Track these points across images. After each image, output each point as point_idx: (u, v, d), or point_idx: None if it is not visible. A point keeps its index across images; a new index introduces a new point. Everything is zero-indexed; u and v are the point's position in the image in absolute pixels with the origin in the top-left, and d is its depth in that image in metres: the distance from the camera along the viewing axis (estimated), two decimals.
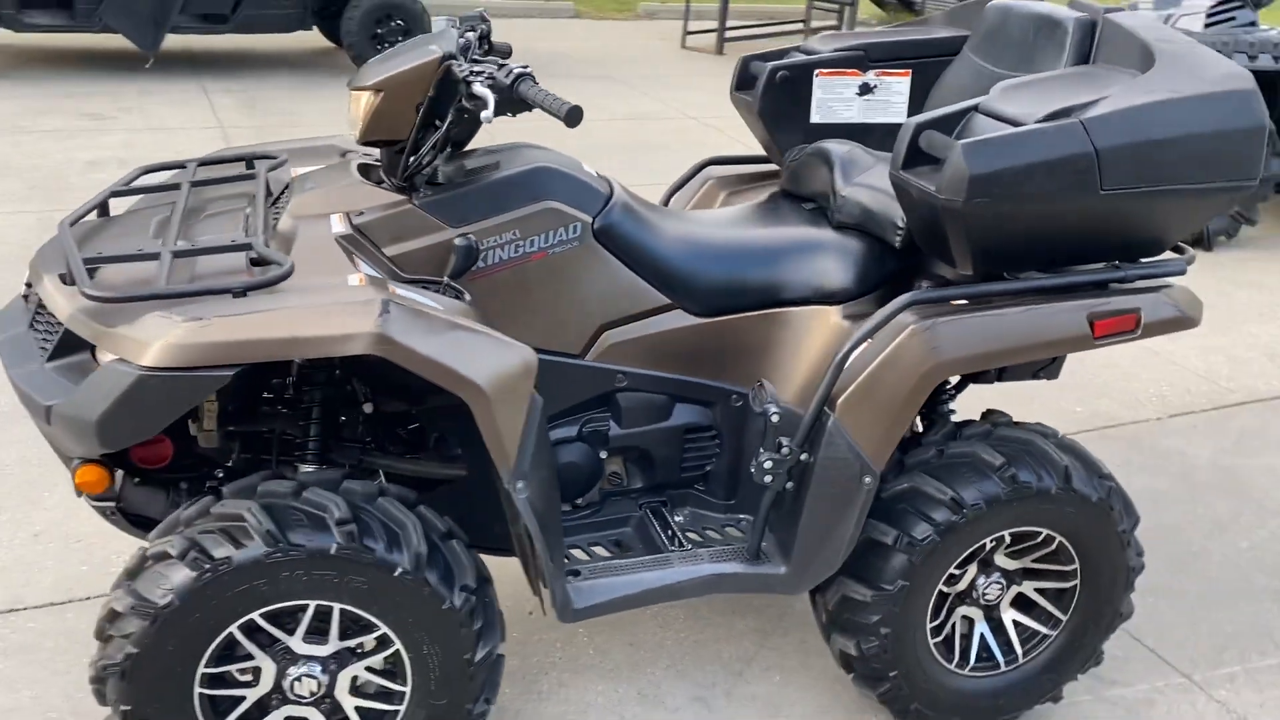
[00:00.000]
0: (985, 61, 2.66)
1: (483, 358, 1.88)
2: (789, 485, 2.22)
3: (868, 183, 2.43)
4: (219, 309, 1.79)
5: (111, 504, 2.23)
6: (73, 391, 1.87)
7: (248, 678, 2.02)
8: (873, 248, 2.40)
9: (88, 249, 2.09)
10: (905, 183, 2.15)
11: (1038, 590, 2.44)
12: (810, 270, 2.38)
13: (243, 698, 2.02)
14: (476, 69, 2.08)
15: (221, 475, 2.28)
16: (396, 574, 1.93)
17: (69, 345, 1.98)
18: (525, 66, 2.07)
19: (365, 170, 2.32)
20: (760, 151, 2.97)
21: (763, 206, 2.64)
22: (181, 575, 1.86)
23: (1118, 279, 2.26)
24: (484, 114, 1.99)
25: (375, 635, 2.01)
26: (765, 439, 2.22)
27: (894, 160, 2.19)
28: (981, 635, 2.45)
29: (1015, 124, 2.09)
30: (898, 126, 2.80)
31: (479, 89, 2.00)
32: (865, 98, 2.82)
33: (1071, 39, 2.42)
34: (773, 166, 2.98)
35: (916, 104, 2.83)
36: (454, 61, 2.11)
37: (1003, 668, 2.45)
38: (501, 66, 2.08)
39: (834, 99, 2.80)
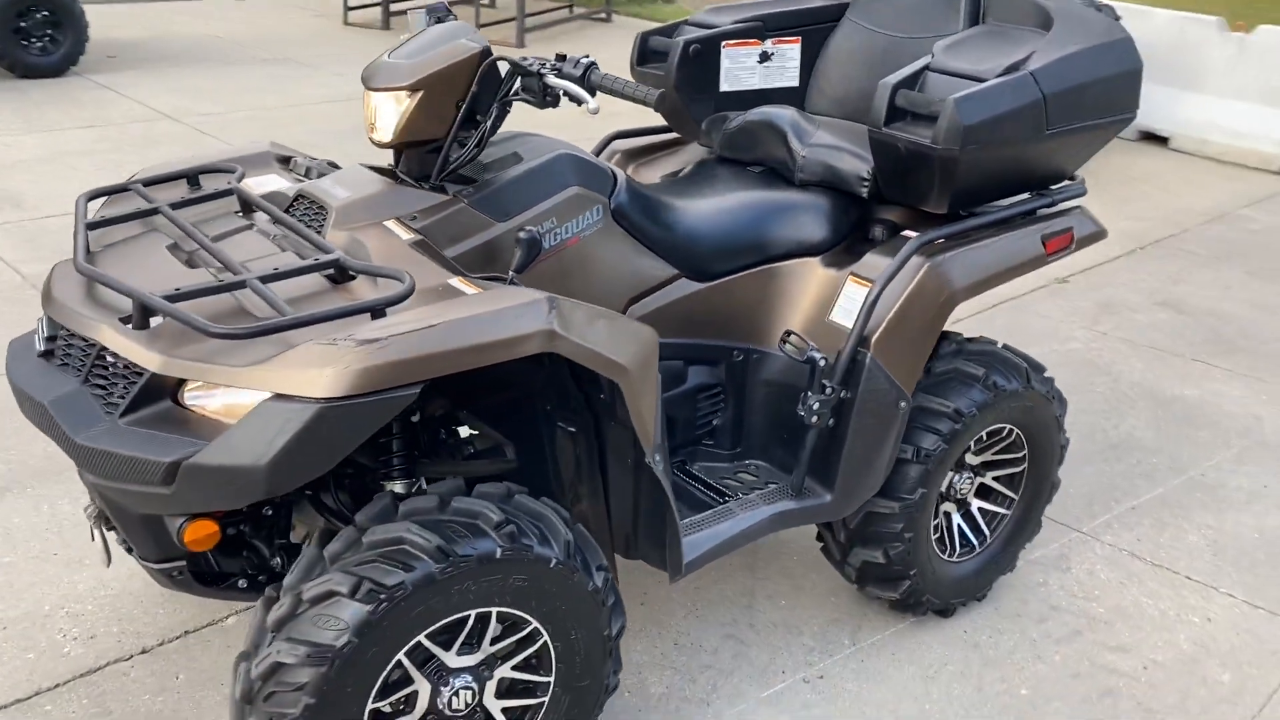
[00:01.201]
0: (873, 26, 2.98)
1: (625, 342, 1.94)
2: (830, 422, 2.45)
3: (823, 143, 2.68)
4: (367, 330, 1.73)
5: (180, 564, 2.06)
6: (201, 443, 1.73)
7: (402, 706, 1.97)
8: (839, 201, 2.65)
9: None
10: (892, 138, 2.42)
11: (995, 478, 2.85)
12: (791, 227, 2.60)
13: None
14: (523, 60, 2.10)
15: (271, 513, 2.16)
16: (551, 565, 1.96)
17: (148, 396, 1.82)
18: (588, 56, 2.12)
19: (379, 174, 2.26)
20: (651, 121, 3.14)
21: (718, 174, 2.80)
22: (354, 611, 1.79)
23: (1047, 204, 2.67)
24: (588, 106, 2.02)
25: (522, 633, 2.03)
26: (811, 382, 2.43)
27: (874, 119, 2.45)
28: (959, 525, 2.83)
29: (978, 79, 2.42)
30: (793, 90, 3.09)
31: (564, 83, 2.03)
32: (764, 65, 3.06)
33: (965, 2, 2.79)
34: (672, 135, 3.16)
35: (805, 69, 3.11)
36: (493, 55, 2.12)
37: (978, 549, 2.84)
38: (562, 58, 2.11)
39: (739, 68, 3.01)
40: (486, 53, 2.14)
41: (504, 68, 2.19)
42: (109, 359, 1.87)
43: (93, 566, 2.89)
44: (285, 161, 2.58)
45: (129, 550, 2.65)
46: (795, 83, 3.09)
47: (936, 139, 2.34)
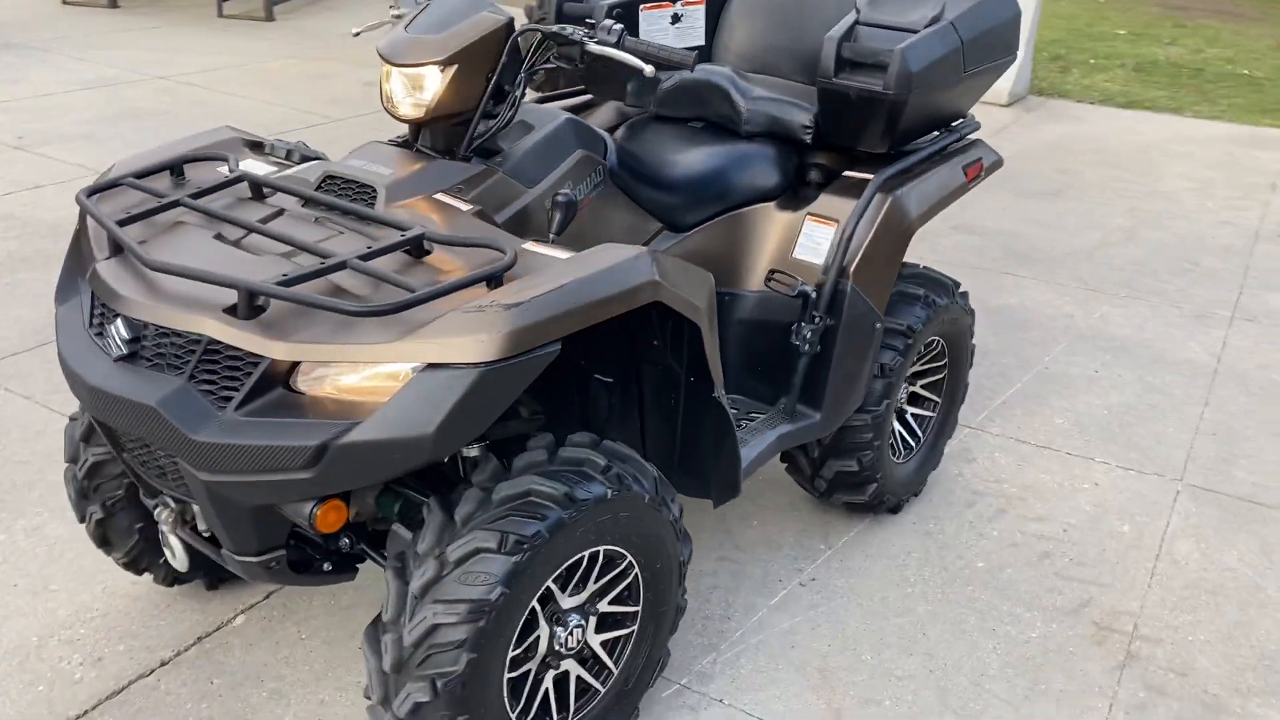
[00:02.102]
0: None
1: (698, 287, 2.11)
2: (817, 349, 2.70)
3: (764, 96, 2.90)
4: (506, 295, 1.81)
5: (279, 554, 2.05)
6: (342, 423, 1.76)
7: (526, 651, 2.07)
8: (783, 149, 2.90)
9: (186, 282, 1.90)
10: (844, 87, 2.69)
11: (923, 386, 3.22)
12: (748, 175, 2.83)
13: (527, 674, 2.08)
14: (562, 29, 2.19)
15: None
16: (645, 502, 2.12)
17: (263, 385, 1.82)
18: (617, 22, 2.24)
19: (402, 149, 2.29)
20: None
21: (666, 131, 2.94)
22: (502, 564, 1.88)
23: (955, 140, 3.03)
24: (646, 72, 2.14)
25: (619, 569, 2.17)
26: (804, 313, 2.66)
27: (823, 70, 2.71)
28: (898, 430, 3.18)
29: (909, 30, 2.72)
30: (698, 49, 3.30)
31: (614, 51, 2.14)
32: (676, 26, 3.25)
33: None
34: (586, 97, 3.30)
35: (710, 27, 3.32)
36: (518, 25, 2.20)
37: (915, 450, 3.20)
38: (593, 26, 2.22)
39: (655, 30, 3.19)
40: (512, 24, 2.21)
41: (524, 38, 2.27)
42: (218, 353, 1.84)
43: (57, 592, 2.74)
44: (254, 146, 2.54)
45: (134, 569, 2.57)
46: (702, 42, 3.30)
47: (888, 85, 2.63)
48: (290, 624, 2.67)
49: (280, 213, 2.15)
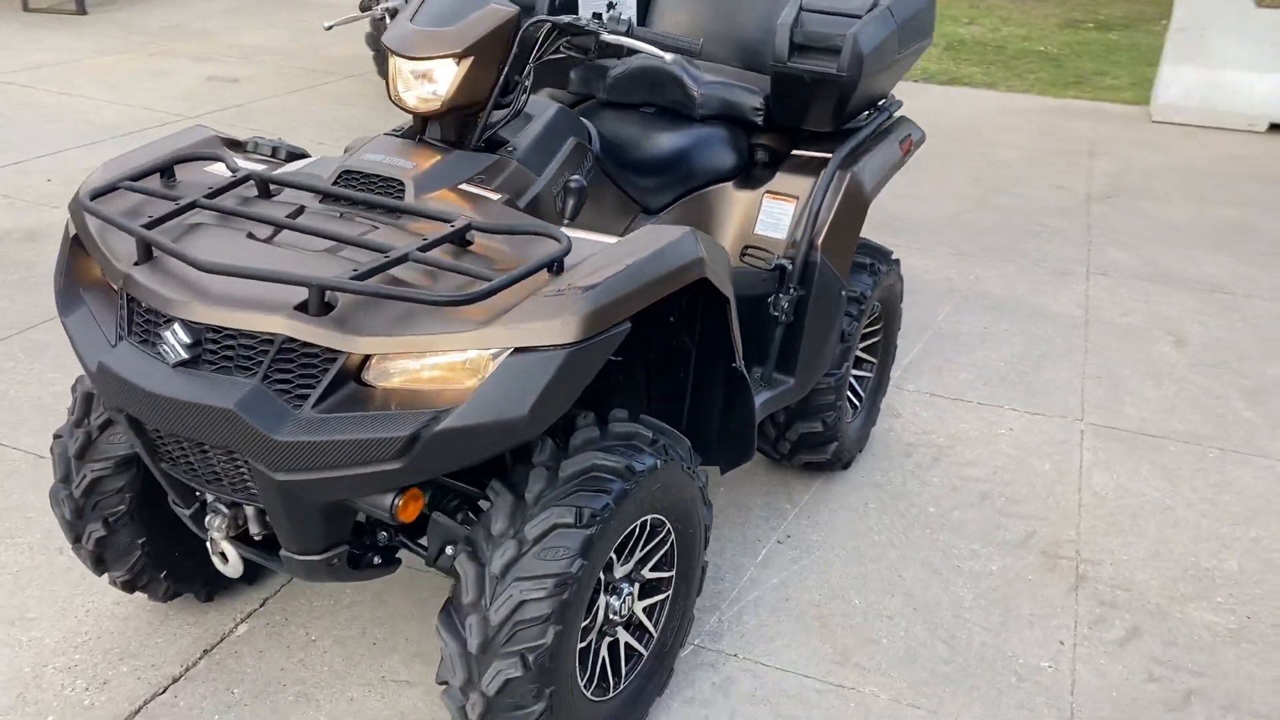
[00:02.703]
0: None
1: (724, 263, 2.22)
2: (790, 318, 2.86)
3: (714, 80, 3.03)
4: (579, 279, 1.87)
5: (342, 550, 2.05)
6: (428, 412, 1.80)
7: (586, 621, 2.15)
8: (734, 131, 3.04)
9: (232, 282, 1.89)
10: (797, 70, 2.85)
11: (862, 349, 3.43)
12: (708, 157, 2.96)
13: (589, 644, 2.16)
14: (575, 20, 2.25)
15: None
16: (685, 469, 2.23)
17: (339, 381, 1.84)
18: (621, 11, 2.31)
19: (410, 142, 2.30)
20: None
21: (624, 117, 3.02)
22: (579, 537, 1.96)
23: (885, 120, 3.24)
24: (668, 59, 2.22)
25: (659, 536, 2.27)
26: (781, 285, 2.81)
27: (778, 54, 2.86)
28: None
29: (853, 15, 2.90)
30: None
31: (629, 40, 2.22)
32: (609, 12, 3.34)
33: None
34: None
35: (640, 13, 3.43)
36: (527, 15, 2.25)
37: (860, 408, 3.42)
38: (598, 16, 2.28)
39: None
40: (521, 14, 2.26)
41: (530, 28, 2.32)
42: (292, 351, 1.83)
43: (37, 619, 2.62)
44: (233, 145, 2.49)
45: (130, 588, 2.49)
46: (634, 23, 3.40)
47: (841, 67, 2.80)
48: (296, 628, 2.64)
49: (301, 210, 2.13)
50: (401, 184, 2.15)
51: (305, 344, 1.83)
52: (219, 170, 2.33)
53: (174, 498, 2.17)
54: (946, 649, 2.68)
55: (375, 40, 7.34)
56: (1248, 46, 7.95)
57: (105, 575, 2.50)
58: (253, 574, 2.75)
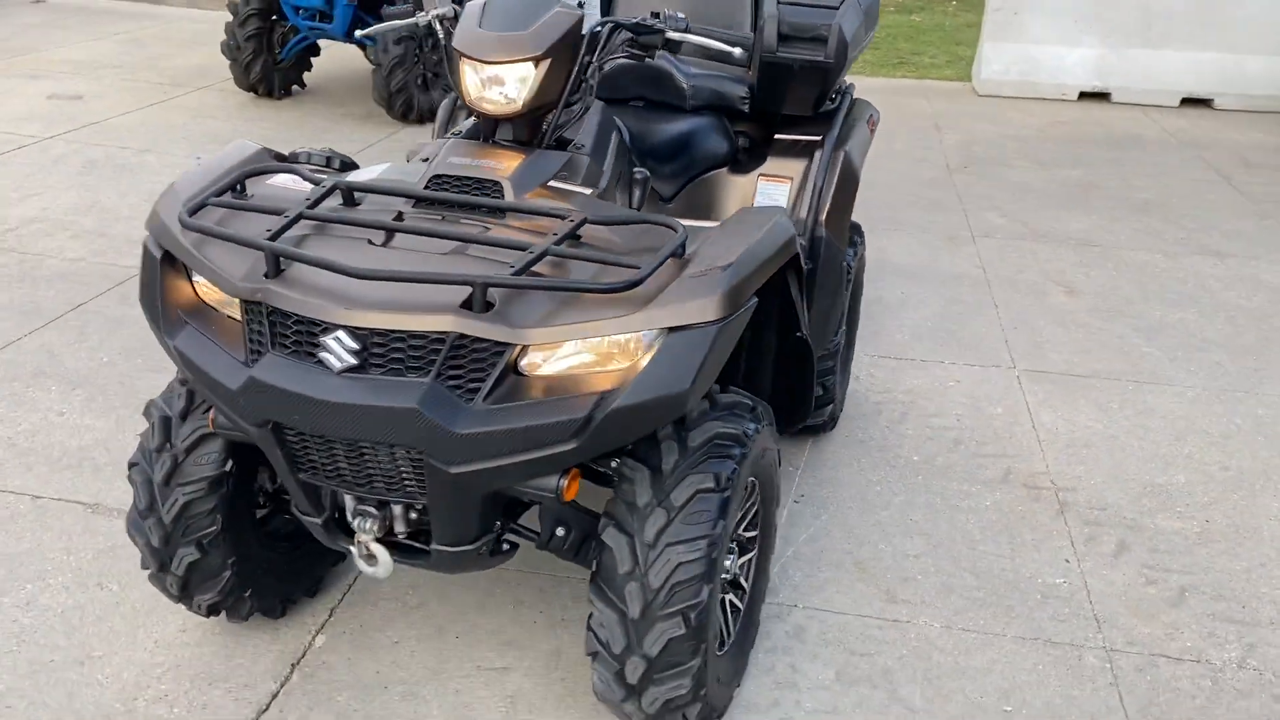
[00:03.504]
0: None
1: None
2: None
3: (700, 73, 3.20)
4: (714, 260, 2.01)
5: (492, 537, 2.13)
6: (594, 395, 1.91)
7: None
8: (722, 119, 3.22)
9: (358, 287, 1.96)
10: (788, 59, 3.05)
11: None
12: (707, 145, 3.13)
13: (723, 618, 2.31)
14: (643, 20, 2.37)
15: None
16: (771, 434, 2.40)
17: (504, 374, 1.93)
18: (679, 12, 2.44)
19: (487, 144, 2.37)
20: None
21: (619, 111, 3.16)
22: (718, 500, 2.12)
23: (849, 103, 3.49)
24: (735, 55, 2.37)
25: (750, 498, 2.44)
26: None
27: (768, 45, 3.05)
28: None
29: (829, 6, 3.13)
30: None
31: (699, 39, 2.35)
32: (581, 8, 3.46)
33: None
34: None
35: (604, 8, 3.56)
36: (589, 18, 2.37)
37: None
38: (656, 14, 2.41)
39: None
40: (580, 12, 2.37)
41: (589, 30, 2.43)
42: (463, 349, 1.90)
43: (105, 657, 2.55)
44: (281, 158, 2.50)
45: (217, 610, 2.47)
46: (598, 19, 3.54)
47: (828, 54, 3.03)
48: (374, 633, 2.66)
49: (400, 215, 2.18)
50: (499, 184, 2.23)
51: (475, 340, 1.91)
52: (282, 182, 2.33)
53: (304, 508, 2.19)
54: (973, 579, 2.96)
55: (233, 50, 7.12)
56: (1057, 22, 8.71)
57: (189, 601, 2.46)
58: (314, 587, 2.75)
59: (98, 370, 3.80)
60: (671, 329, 1.94)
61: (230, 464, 2.35)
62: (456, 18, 2.52)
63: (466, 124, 2.61)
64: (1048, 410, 3.87)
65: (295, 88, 7.57)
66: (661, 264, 1.97)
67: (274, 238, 2.02)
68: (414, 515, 2.17)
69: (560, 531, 2.29)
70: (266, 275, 2.01)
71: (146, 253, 2.21)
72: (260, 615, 2.63)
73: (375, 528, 2.14)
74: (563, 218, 2.10)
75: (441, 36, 2.56)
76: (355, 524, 2.15)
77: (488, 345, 1.92)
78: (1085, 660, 2.67)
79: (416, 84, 6.88)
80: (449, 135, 2.56)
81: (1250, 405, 3.93)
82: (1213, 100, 8.66)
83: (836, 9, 3.10)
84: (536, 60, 2.27)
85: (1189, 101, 8.66)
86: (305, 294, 1.95)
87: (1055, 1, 8.65)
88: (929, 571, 2.98)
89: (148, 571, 2.46)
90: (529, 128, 2.38)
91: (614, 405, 1.91)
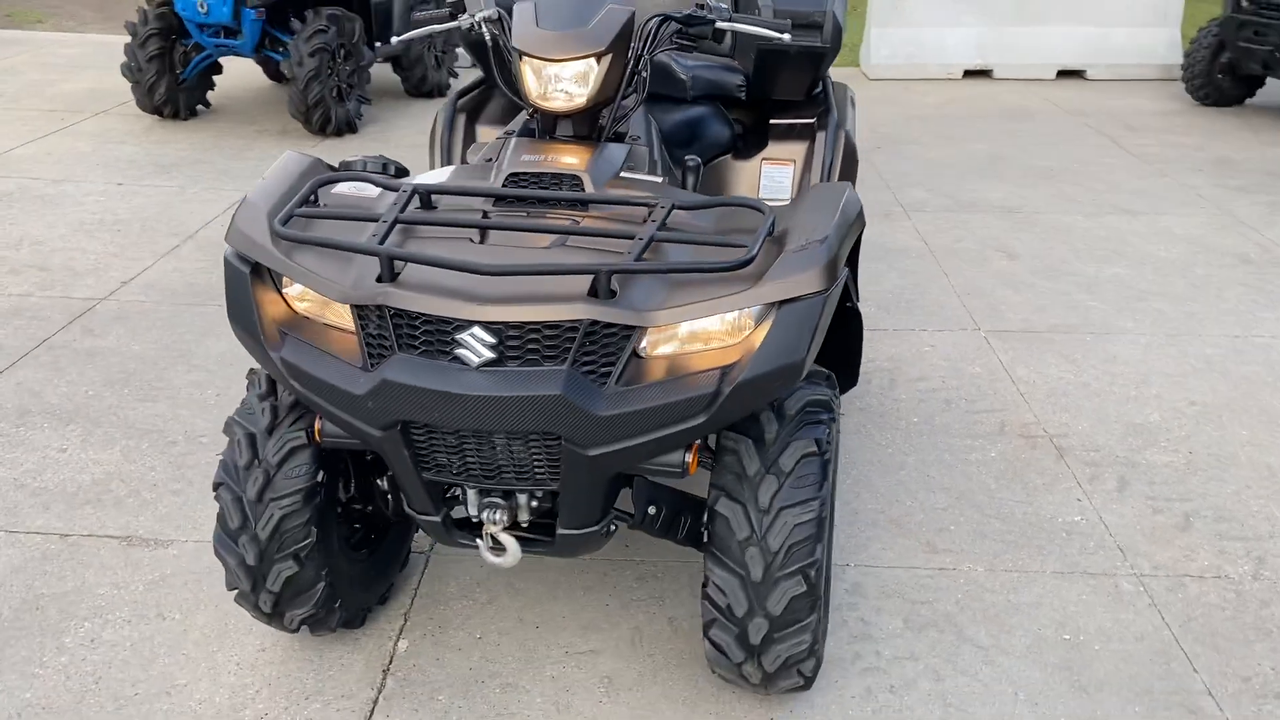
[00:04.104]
0: None
1: None
2: None
3: (695, 64, 3.31)
4: (809, 235, 2.12)
5: (611, 518, 2.20)
6: (714, 370, 2.01)
7: None
8: (719, 107, 3.33)
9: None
10: (786, 45, 3.17)
11: None
12: (713, 133, 3.24)
13: None
14: (695, 11, 2.46)
15: None
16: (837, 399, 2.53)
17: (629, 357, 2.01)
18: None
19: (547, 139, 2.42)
20: None
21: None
22: (820, 463, 2.23)
23: (830, 87, 3.64)
24: (786, 38, 2.47)
25: None
26: None
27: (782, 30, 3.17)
28: None
29: None
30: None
31: (744, 26, 2.45)
32: None
33: None
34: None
35: None
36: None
37: None
38: (702, 5, 2.49)
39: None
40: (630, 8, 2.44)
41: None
42: (596, 335, 1.96)
43: (190, 685, 2.51)
44: (335, 168, 2.51)
45: (313, 623, 2.48)
46: None
47: (825, 39, 3.17)
48: (454, 631, 2.69)
49: (485, 214, 2.22)
50: (577, 179, 2.28)
51: (604, 326, 1.97)
52: (346, 190, 2.34)
53: (423, 508, 2.21)
54: (1001, 524, 3.15)
55: (134, 71, 6.89)
56: (938, 5, 9.12)
57: (281, 618, 2.44)
58: (386, 594, 2.76)
59: (85, 404, 3.68)
60: (782, 302, 2.04)
61: (321, 475, 2.35)
62: (500, 20, 2.56)
63: (517, 123, 2.64)
64: (1021, 366, 4.10)
65: (200, 108, 7.36)
66: (763, 241, 2.07)
67: (381, 242, 2.04)
68: (536, 504, 2.22)
69: (652, 510, 2.37)
70: (380, 279, 2.03)
71: (232, 269, 2.19)
72: (342, 627, 2.63)
73: (504, 518, 2.18)
74: (649, 205, 2.18)
75: (488, 39, 2.60)
76: (484, 516, 2.18)
77: (615, 330, 1.98)
78: (1122, 587, 2.89)
79: (332, 96, 6.79)
80: (504, 135, 2.59)
81: (1199, 347, 4.26)
82: (1085, 71, 9.21)
83: None
84: (599, 56, 2.34)
85: (1064, 74, 9.19)
86: (433, 294, 1.98)
87: None
88: (959, 521, 3.15)
89: (234, 591, 2.43)
90: (589, 122, 2.44)
91: (740, 379, 2.00)
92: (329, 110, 6.77)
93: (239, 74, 8.18)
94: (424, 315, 1.99)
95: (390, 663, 2.59)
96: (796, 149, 3.25)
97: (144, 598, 2.78)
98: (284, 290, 2.21)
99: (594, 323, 1.97)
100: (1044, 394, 3.89)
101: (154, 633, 2.66)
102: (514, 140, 2.42)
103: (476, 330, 1.96)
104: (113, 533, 3.03)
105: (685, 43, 2.57)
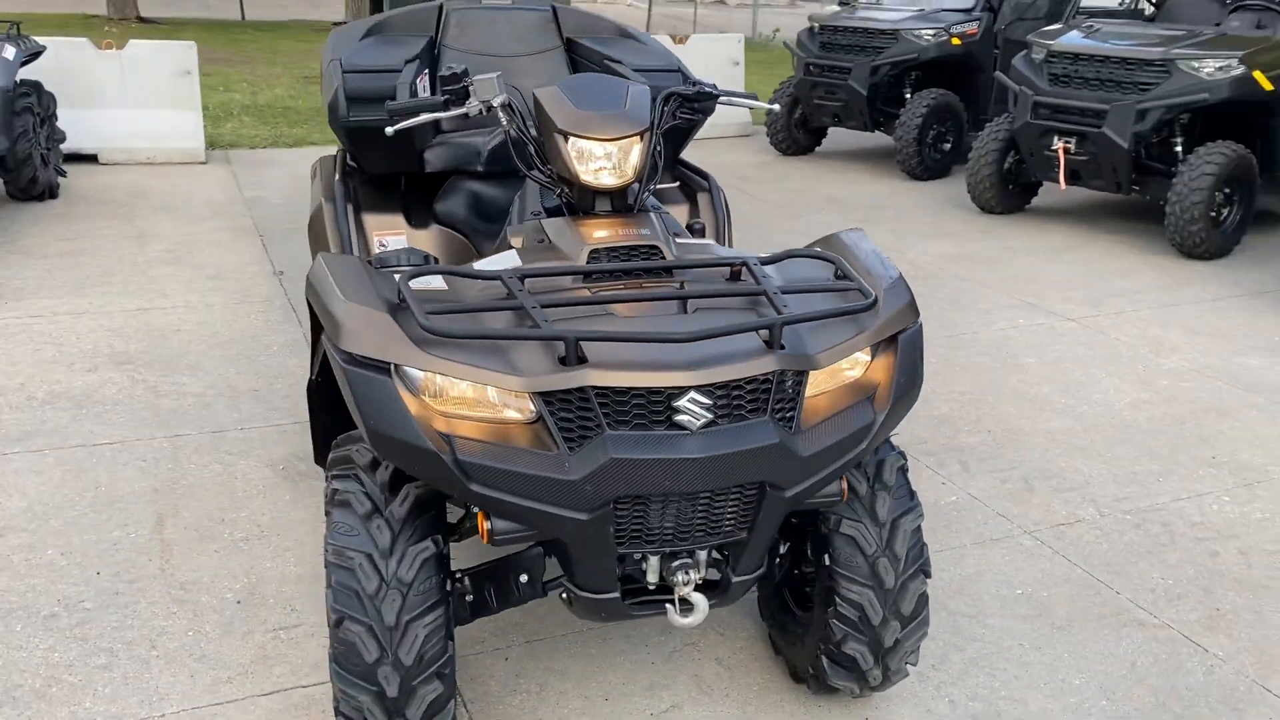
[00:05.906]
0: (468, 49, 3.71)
1: None
2: None
3: None
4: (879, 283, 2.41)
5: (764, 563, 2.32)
6: (864, 397, 2.26)
7: None
8: None
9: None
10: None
11: None
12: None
13: None
14: (702, 88, 2.64)
15: None
16: None
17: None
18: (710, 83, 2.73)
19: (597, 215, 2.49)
20: None
21: (500, 184, 3.32)
22: (907, 472, 2.52)
23: None
24: (772, 109, 2.70)
25: None
26: None
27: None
28: None
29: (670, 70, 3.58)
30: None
31: (738, 100, 2.67)
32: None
33: (554, 22, 3.78)
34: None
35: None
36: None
37: None
38: (695, 83, 2.68)
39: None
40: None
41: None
42: (784, 385, 2.10)
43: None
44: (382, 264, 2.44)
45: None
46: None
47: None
48: (529, 667, 2.66)
49: (592, 290, 2.27)
50: (655, 248, 2.38)
51: (795, 374, 2.12)
52: (419, 285, 2.27)
53: (605, 586, 2.18)
54: None
55: None
56: None
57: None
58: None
59: (42, 527, 2.98)
60: (897, 333, 2.32)
61: (448, 582, 2.22)
62: (511, 105, 2.58)
63: (549, 204, 2.62)
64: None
65: None
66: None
67: (535, 327, 2.04)
68: (714, 556, 2.28)
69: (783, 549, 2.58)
70: (564, 361, 2.01)
71: (366, 378, 2.03)
72: None
73: (696, 577, 2.21)
74: (733, 264, 2.35)
75: (505, 122, 2.59)
76: (677, 579, 2.20)
77: (790, 376, 2.14)
78: (1024, 544, 3.46)
79: (39, 162, 6.88)
80: (534, 215, 2.58)
81: (939, 348, 5.07)
82: None
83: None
84: (641, 134, 2.46)
85: None
86: (638, 369, 2.00)
87: None
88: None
89: None
90: (623, 196, 2.54)
91: (889, 408, 2.24)
92: (36, 173, 6.84)
93: None
94: (634, 389, 2.01)
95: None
96: (680, 208, 3.53)
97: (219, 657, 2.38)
98: (421, 394, 2.09)
99: (782, 372, 2.11)
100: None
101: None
102: (562, 220, 2.45)
103: (693, 395, 2.02)
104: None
105: (689, 116, 2.75)
